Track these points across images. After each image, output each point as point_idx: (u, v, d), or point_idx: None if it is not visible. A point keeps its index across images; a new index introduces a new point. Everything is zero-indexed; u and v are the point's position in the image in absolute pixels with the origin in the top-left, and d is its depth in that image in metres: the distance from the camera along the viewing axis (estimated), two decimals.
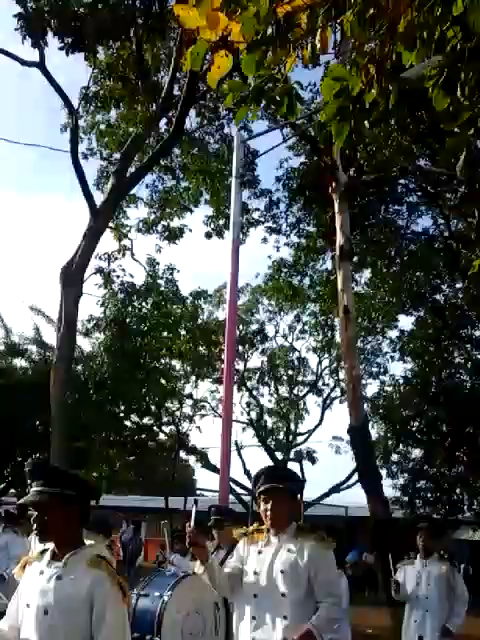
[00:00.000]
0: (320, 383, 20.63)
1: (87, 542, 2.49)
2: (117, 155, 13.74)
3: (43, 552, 2.48)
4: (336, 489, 21.32)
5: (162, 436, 20.51)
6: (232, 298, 11.03)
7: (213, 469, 18.63)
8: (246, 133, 12.31)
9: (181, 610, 7.03)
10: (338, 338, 17.81)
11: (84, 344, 17.11)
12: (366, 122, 2.98)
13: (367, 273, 16.49)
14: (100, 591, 2.28)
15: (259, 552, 3.51)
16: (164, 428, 20.30)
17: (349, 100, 2.72)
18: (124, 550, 18.69)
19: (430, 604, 5.44)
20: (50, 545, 2.47)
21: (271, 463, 21.62)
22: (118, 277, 15.24)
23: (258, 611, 3.37)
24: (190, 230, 15.16)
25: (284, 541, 3.46)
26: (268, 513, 3.48)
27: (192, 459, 22.02)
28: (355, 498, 22.07)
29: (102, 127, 13.62)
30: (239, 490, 20.35)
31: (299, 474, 21.39)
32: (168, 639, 6.93)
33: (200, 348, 17.85)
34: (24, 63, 12.40)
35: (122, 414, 18.15)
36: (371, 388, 19.35)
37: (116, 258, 14.74)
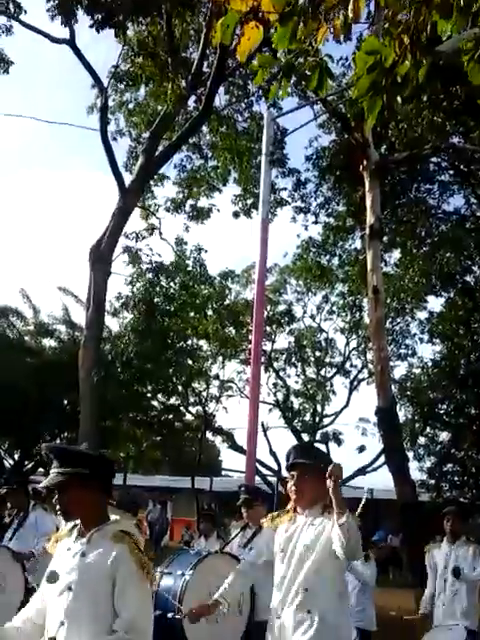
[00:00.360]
0: (348, 364, 20.51)
1: (113, 517, 2.48)
2: (146, 135, 13.72)
3: (73, 528, 2.50)
4: (362, 471, 21.26)
5: (189, 416, 20.60)
6: (261, 277, 10.97)
7: (239, 450, 18.70)
8: (276, 111, 12.16)
9: (203, 589, 7.08)
10: (366, 319, 17.69)
11: (112, 324, 17.26)
12: (399, 97, 2.92)
13: (396, 253, 16.32)
14: (123, 567, 2.27)
15: (286, 531, 3.57)
16: (191, 408, 20.38)
17: (382, 74, 2.67)
18: (150, 529, 18.96)
19: (458, 587, 5.43)
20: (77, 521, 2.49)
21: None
22: (146, 256, 15.34)
23: (283, 588, 3.45)
24: (218, 210, 15.15)
25: (310, 517, 3.50)
26: (293, 488, 3.53)
27: (218, 440, 22.12)
28: (381, 481, 22.11)
29: (131, 106, 13.59)
30: (265, 471, 20.46)
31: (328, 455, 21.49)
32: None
33: (227, 329, 17.89)
34: (54, 40, 12.44)
35: (149, 394, 18.31)
36: (399, 370, 19.22)
37: (144, 237, 14.79)
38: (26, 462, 18.81)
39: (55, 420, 17.19)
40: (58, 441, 19.10)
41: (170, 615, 7.00)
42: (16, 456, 18.45)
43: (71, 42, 12.08)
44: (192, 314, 16.74)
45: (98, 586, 2.27)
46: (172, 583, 7.30)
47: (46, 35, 12.30)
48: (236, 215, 14.43)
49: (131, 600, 2.24)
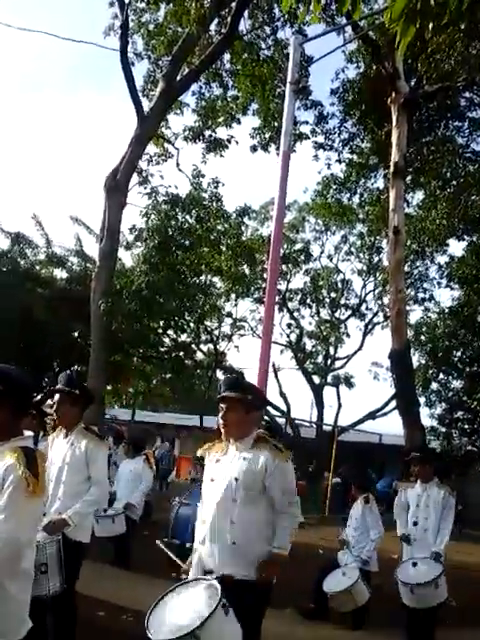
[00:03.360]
0: (363, 307, 20.71)
1: (26, 434, 2.82)
2: (166, 59, 13.48)
3: None
4: (372, 415, 21.72)
5: (200, 354, 20.93)
6: (279, 213, 10.96)
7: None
8: (301, 37, 11.86)
9: None
10: (385, 262, 17.72)
11: (125, 257, 17.35)
12: (433, 24, 2.98)
13: (419, 194, 16.18)
14: (10, 476, 2.54)
15: (217, 461, 3.78)
16: (202, 346, 20.69)
17: None
18: (157, 465, 19.62)
19: (429, 525, 5.93)
20: None
21: (308, 386, 22.16)
22: (162, 187, 15.29)
23: (210, 516, 3.65)
24: (236, 142, 14.99)
25: (241, 450, 3.69)
26: (222, 420, 3.71)
27: (240, 377, 22.59)
28: (391, 426, 22.58)
29: (150, 27, 13.29)
30: (274, 412, 20.95)
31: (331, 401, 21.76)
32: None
33: (241, 267, 17.99)
34: None
35: (160, 330, 18.55)
36: (415, 315, 19.36)
37: (157, 163, 14.68)
38: (35, 393, 19.30)
39: (65, 351, 17.47)
40: (68, 372, 19.58)
41: (188, 545, 7.46)
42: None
43: None
44: (206, 250, 16.80)
45: None
46: (191, 513, 7.73)
47: None
48: (254, 149, 14.30)
49: (3, 504, 2.50)
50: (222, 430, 3.73)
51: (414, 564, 5.77)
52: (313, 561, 7.76)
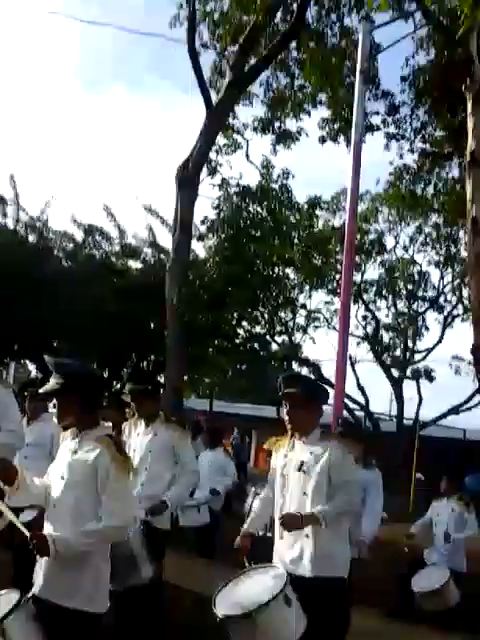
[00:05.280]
0: (441, 299, 20.30)
1: (103, 425, 3.10)
2: (232, 49, 13.53)
3: (70, 430, 3.11)
4: (455, 410, 21.33)
5: (274, 346, 21.08)
6: (353, 206, 10.76)
7: (325, 382, 19.22)
8: (370, 24, 11.81)
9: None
10: (463, 252, 17.36)
11: (198, 248, 17.73)
12: None
13: None
14: (103, 461, 2.81)
15: (285, 456, 3.89)
16: (276, 338, 20.88)
17: None
18: (235, 456, 20.01)
19: None
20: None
21: (386, 380, 22.02)
22: (232, 178, 15.52)
23: (283, 510, 3.75)
24: (307, 134, 15.06)
25: (308, 444, 3.79)
26: (287, 417, 3.84)
27: (304, 371, 22.74)
28: (475, 421, 22.10)
29: (215, 16, 13.32)
30: (352, 405, 20.96)
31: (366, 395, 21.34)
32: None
33: (314, 259, 18.08)
34: None
35: (234, 321, 18.86)
36: None
37: (227, 153, 14.90)
38: (114, 382, 20.00)
39: (143, 342, 17.93)
40: (145, 363, 20.29)
41: (261, 533, 7.70)
42: (106, 374, 19.61)
43: None
44: (277, 242, 16.98)
45: (83, 478, 2.84)
46: None
47: None
48: (322, 140, 14.25)
49: (110, 490, 2.79)
50: (287, 426, 3.85)
51: None
52: (397, 558, 7.52)
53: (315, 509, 3.59)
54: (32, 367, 21.37)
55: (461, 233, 16.80)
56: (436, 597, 6.07)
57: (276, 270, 18.13)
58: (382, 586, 7.23)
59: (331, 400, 9.54)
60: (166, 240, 17.32)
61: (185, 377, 19.56)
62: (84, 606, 2.77)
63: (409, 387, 22.61)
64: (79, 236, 17.98)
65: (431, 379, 21.81)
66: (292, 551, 3.67)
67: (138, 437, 4.83)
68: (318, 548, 3.61)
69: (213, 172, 15.18)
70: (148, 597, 4.29)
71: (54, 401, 3.04)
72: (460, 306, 19.95)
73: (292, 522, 3.58)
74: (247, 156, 15.55)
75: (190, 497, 7.90)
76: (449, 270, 19.36)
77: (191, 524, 7.98)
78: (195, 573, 7.04)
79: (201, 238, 16.78)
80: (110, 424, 5.51)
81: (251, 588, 3.34)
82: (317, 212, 17.40)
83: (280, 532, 3.75)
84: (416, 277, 19.70)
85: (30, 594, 2.78)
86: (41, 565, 2.85)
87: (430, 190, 15.72)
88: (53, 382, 2.95)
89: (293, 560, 3.65)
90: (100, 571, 2.87)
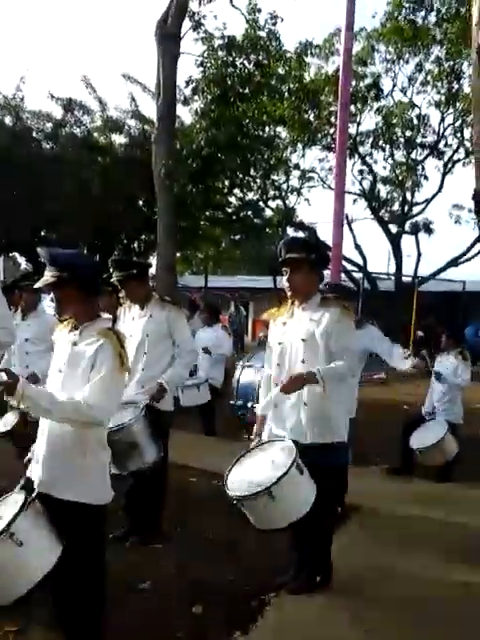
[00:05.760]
0: (442, 144, 19.22)
1: (103, 316, 2.95)
2: None
3: (68, 322, 2.99)
4: (454, 262, 21.04)
5: (268, 212, 20.33)
6: (347, 45, 10.12)
7: (323, 245, 18.74)
8: None
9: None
10: (466, 88, 16.30)
11: (183, 114, 16.74)
12: None
13: None
14: (103, 354, 2.70)
15: (284, 324, 3.80)
16: (270, 203, 20.10)
17: None
18: (232, 329, 19.88)
19: None
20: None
21: (384, 237, 21.51)
22: (217, 29, 14.26)
23: (280, 378, 3.68)
24: None
25: (308, 311, 3.69)
26: (287, 284, 3.67)
27: (300, 236, 22.20)
28: (475, 272, 21.90)
29: None
30: (350, 267, 20.56)
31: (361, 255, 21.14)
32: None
33: (306, 113, 17.00)
34: None
35: (225, 190, 18.13)
36: None
37: (209, 1, 13.63)
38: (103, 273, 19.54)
39: (132, 220, 17.41)
40: (136, 243, 19.68)
41: (250, 404, 7.74)
42: (97, 259, 19.12)
43: None
44: (267, 98, 15.88)
45: (82, 371, 2.73)
46: (253, 375, 7.94)
47: None
48: None
49: (99, 380, 2.65)
50: (288, 293, 3.73)
51: None
52: (398, 417, 7.78)
53: (314, 368, 3.51)
54: (22, 260, 20.76)
55: (465, 66, 15.66)
56: (435, 451, 6.23)
57: (266, 130, 17.10)
58: (382, 446, 7.52)
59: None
60: (150, 109, 16.30)
61: (178, 254, 19.08)
62: (85, 498, 2.73)
63: (408, 244, 22.18)
64: (58, 113, 17.17)
65: (430, 232, 21.32)
66: (291, 419, 3.66)
67: (133, 321, 4.71)
68: (317, 414, 3.61)
69: (197, 27, 13.81)
70: (153, 479, 4.42)
71: (51, 295, 2.92)
72: (461, 150, 18.99)
73: (293, 383, 3.49)
74: (230, 0, 14.02)
75: (190, 376, 8.05)
76: (450, 110, 18.18)
77: (192, 403, 8.08)
78: (200, 450, 7.23)
79: (186, 102, 15.77)
80: (110, 316, 5.35)
81: (260, 464, 3.41)
82: (308, 59, 16.09)
83: (276, 399, 3.70)
84: (415, 122, 18.51)
85: (34, 493, 2.71)
86: (37, 459, 2.82)
87: (431, 19, 14.41)
88: (49, 274, 2.83)
89: (293, 428, 3.65)
90: (98, 460, 2.82)
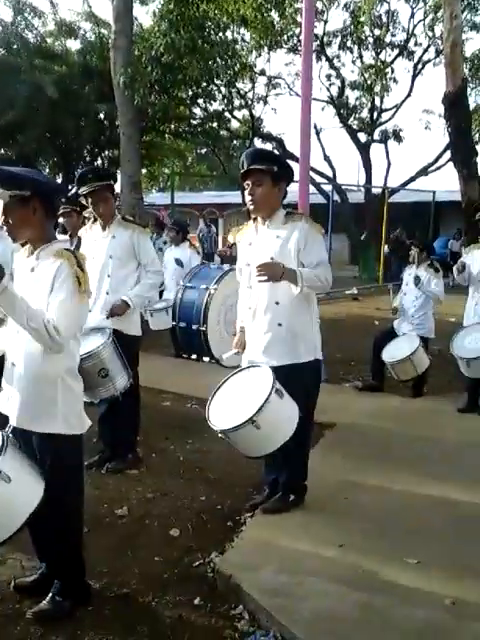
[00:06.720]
0: (412, 43, 18.55)
1: (59, 237, 2.88)
2: None
3: (25, 246, 2.88)
4: (424, 171, 20.75)
5: (235, 123, 19.80)
6: None
7: (291, 157, 18.22)
8: None
9: (225, 302, 7.62)
10: None
11: (142, 16, 15.81)
12: None
13: None
14: (61, 276, 2.64)
15: (249, 244, 3.70)
16: (236, 114, 19.43)
17: None
18: (202, 247, 19.64)
19: None
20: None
21: (354, 146, 21.03)
22: None
23: (253, 300, 3.65)
24: None
25: (273, 228, 3.57)
26: (249, 197, 3.50)
27: (268, 147, 21.59)
28: (445, 182, 21.62)
29: None
30: (319, 179, 20.18)
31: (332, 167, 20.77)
32: (213, 328, 7.67)
33: (268, 12, 16.12)
34: None
35: (188, 100, 17.43)
36: (472, 45, 17.47)
37: None
38: (70, 185, 18.97)
39: (94, 135, 16.77)
40: (99, 161, 18.99)
41: (194, 327, 7.68)
42: (59, 179, 18.50)
43: None
44: None
45: (42, 297, 2.64)
46: (196, 297, 7.82)
47: None
48: None
49: (59, 303, 2.60)
50: (250, 208, 3.56)
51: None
52: (369, 333, 7.80)
53: (295, 268, 3.44)
54: None
55: None
56: (406, 365, 6.27)
57: (229, 33, 16.25)
58: (354, 360, 7.64)
59: (296, 176, 8.91)
60: (106, 11, 15.40)
61: (143, 170, 18.52)
62: (62, 429, 2.75)
63: (377, 153, 21.70)
64: (8, 16, 16.53)
65: (400, 139, 20.77)
66: (266, 339, 3.61)
67: (95, 242, 4.53)
68: (291, 333, 3.56)
69: None
70: (126, 405, 4.38)
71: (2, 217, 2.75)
72: (432, 49, 18.34)
73: (272, 268, 3.36)
74: None
75: (159, 299, 8.14)
76: (420, 4, 17.43)
77: (163, 327, 8.05)
78: (172, 374, 7.22)
79: (144, 1, 14.76)
80: (67, 237, 5.37)
81: (240, 392, 3.38)
82: None
83: (249, 321, 3.70)
84: (384, 19, 17.75)
85: (9, 428, 2.74)
86: (9, 395, 2.80)
87: None
88: (5, 194, 2.66)
89: (268, 348, 3.60)
90: (72, 391, 2.81)
